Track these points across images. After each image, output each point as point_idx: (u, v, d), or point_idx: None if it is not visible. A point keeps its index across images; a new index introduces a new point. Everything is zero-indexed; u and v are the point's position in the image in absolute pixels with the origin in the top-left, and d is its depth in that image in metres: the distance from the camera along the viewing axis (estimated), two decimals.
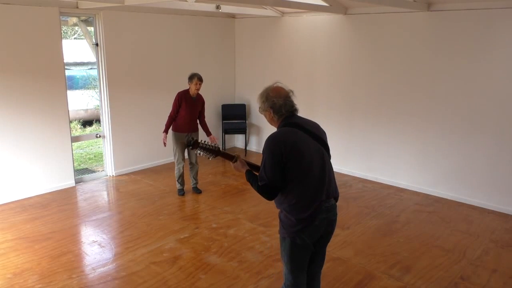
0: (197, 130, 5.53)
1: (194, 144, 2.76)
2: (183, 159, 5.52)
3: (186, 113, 5.35)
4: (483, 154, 5.22)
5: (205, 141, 2.80)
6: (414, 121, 5.74)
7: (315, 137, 2.55)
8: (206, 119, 5.67)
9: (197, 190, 5.76)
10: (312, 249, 2.59)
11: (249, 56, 7.71)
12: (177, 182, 5.66)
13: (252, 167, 2.74)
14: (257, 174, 2.61)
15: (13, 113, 5.29)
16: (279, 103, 2.53)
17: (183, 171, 5.58)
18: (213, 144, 2.82)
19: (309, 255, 2.61)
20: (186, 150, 5.57)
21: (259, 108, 2.63)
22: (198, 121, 5.56)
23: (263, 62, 7.48)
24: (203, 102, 5.54)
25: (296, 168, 2.42)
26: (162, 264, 3.92)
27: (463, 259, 4.05)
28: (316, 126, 2.64)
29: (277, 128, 2.60)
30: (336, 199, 2.63)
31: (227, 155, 2.79)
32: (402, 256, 4.11)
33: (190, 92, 5.35)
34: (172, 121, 5.41)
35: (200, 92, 5.40)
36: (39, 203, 5.36)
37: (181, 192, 5.66)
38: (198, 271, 3.82)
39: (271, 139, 2.47)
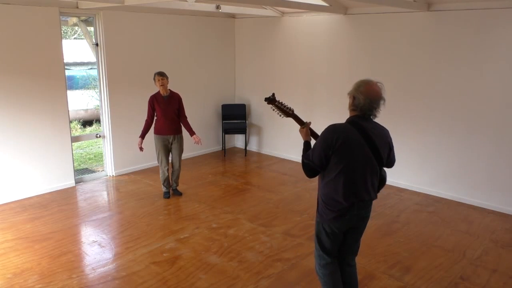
0: (179, 132, 5.42)
1: (272, 100, 2.84)
2: (167, 162, 5.43)
3: (162, 114, 5.26)
4: (483, 154, 5.22)
5: (283, 102, 2.88)
6: (414, 120, 5.74)
7: (372, 145, 2.61)
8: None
9: (177, 193, 5.65)
10: (340, 238, 2.79)
11: (249, 56, 7.71)
12: (162, 186, 5.57)
13: (316, 137, 2.85)
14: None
15: (13, 113, 5.29)
16: (361, 102, 2.58)
17: (168, 174, 5.50)
18: (289, 106, 2.90)
19: (338, 242, 2.81)
20: (170, 153, 5.48)
21: (351, 90, 2.69)
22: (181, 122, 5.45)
23: (263, 62, 7.48)
24: (179, 100, 5.39)
25: (339, 163, 2.57)
26: (162, 264, 3.92)
27: (463, 259, 4.05)
28: (381, 136, 2.69)
29: (349, 116, 2.70)
30: (372, 200, 2.77)
31: (298, 120, 2.91)
32: (402, 256, 4.11)
33: (160, 92, 5.27)
34: (148, 126, 5.35)
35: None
36: (39, 203, 5.36)
37: (167, 195, 5.55)
38: (198, 271, 3.82)
39: (330, 128, 2.61)
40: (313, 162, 2.64)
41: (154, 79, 5.25)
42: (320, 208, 2.76)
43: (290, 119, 2.96)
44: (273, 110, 2.92)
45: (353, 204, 2.65)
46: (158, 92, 5.30)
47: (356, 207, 2.66)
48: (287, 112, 2.90)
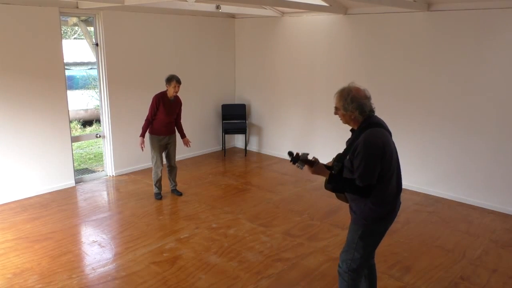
0: (174, 132, 5.44)
1: (297, 157, 2.65)
2: (162, 162, 5.41)
3: (164, 116, 5.23)
4: (483, 154, 5.22)
5: (305, 153, 2.70)
6: (414, 120, 5.74)
7: (390, 134, 2.74)
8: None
9: (177, 192, 5.65)
10: None
11: (249, 56, 7.71)
12: (154, 186, 5.54)
13: (327, 168, 2.78)
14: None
15: (13, 113, 5.29)
16: (366, 104, 2.62)
17: (161, 175, 5.47)
18: (306, 154, 2.71)
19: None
20: (164, 152, 5.46)
21: (341, 107, 2.64)
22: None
23: (263, 62, 7.48)
24: (180, 104, 5.41)
25: (387, 167, 2.61)
26: (162, 264, 3.92)
27: (463, 259, 4.05)
28: (386, 123, 2.78)
29: (357, 127, 2.67)
30: None
31: (310, 162, 2.71)
32: (402, 256, 4.11)
33: (168, 94, 5.21)
34: (149, 124, 5.30)
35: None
36: (39, 203, 5.36)
37: (159, 196, 5.52)
38: (198, 271, 3.82)
39: (372, 143, 2.55)
40: (372, 180, 2.55)
41: (169, 81, 5.12)
42: (368, 214, 2.65)
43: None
44: (298, 166, 2.69)
45: (399, 193, 2.75)
46: (165, 93, 5.23)
47: (398, 196, 2.75)
48: (306, 160, 2.67)
